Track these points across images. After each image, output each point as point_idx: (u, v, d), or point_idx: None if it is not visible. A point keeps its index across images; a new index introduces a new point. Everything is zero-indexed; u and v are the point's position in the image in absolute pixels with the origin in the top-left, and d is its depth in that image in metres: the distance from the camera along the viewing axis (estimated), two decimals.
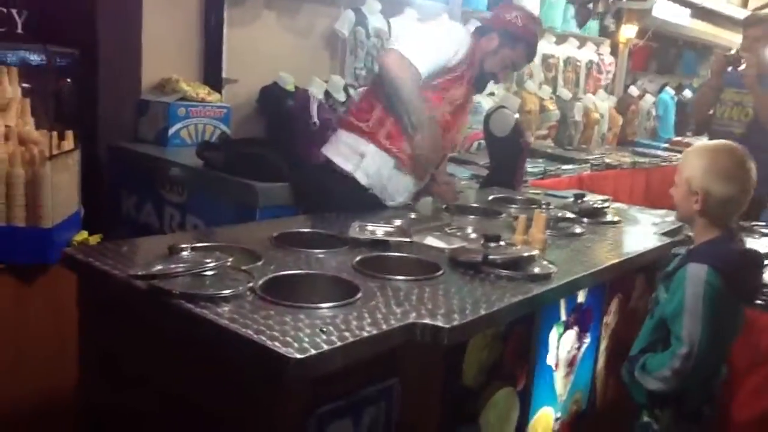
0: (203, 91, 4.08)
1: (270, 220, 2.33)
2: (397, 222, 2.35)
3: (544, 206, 2.53)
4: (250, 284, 1.61)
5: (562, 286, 1.88)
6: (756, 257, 2.04)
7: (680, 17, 7.64)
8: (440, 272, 1.86)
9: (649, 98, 7.74)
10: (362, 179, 2.61)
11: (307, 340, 1.35)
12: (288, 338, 1.35)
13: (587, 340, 2.21)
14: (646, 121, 7.76)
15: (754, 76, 3.71)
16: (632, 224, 2.72)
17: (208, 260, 1.62)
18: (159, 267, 1.61)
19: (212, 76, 4.28)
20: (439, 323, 1.52)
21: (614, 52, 7.50)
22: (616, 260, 2.16)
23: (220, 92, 4.20)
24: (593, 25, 6.96)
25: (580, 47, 6.93)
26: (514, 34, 2.71)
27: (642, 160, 6.09)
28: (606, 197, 2.96)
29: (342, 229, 2.20)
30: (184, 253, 1.63)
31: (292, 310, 1.51)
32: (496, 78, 2.82)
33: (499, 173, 3.76)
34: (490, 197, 2.99)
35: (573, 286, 1.95)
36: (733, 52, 4.10)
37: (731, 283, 1.92)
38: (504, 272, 1.88)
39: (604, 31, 7.23)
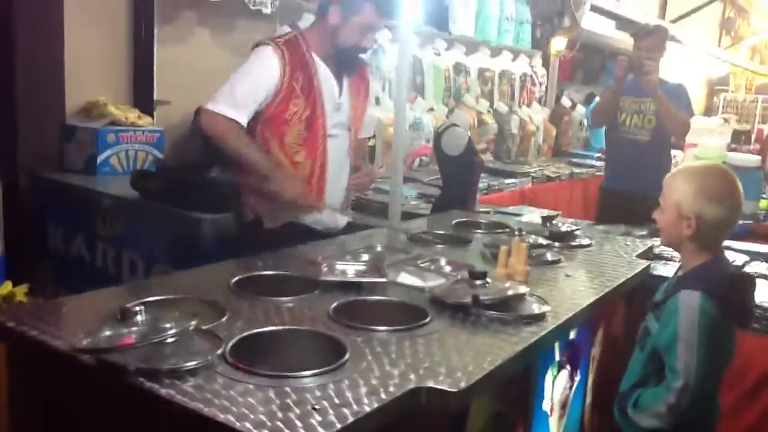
0: (133, 115, 3.80)
1: (224, 262, 2.09)
2: (365, 257, 2.15)
3: (516, 232, 2.38)
4: (219, 351, 1.38)
5: (559, 326, 1.72)
6: (748, 279, 1.98)
7: (605, 28, 7.77)
8: (428, 318, 1.67)
9: (580, 108, 7.84)
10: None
11: (300, 424, 1.14)
12: (279, 424, 1.13)
13: (578, 378, 2.07)
14: (579, 132, 7.85)
15: (657, 82, 3.74)
16: (604, 246, 2.61)
17: (167, 325, 1.38)
18: (108, 333, 1.36)
19: (143, 98, 4.00)
20: (445, 387, 1.33)
21: (545, 63, 7.57)
22: (605, 290, 2.03)
23: (151, 115, 3.92)
24: (525, 37, 6.99)
25: (513, 60, 6.95)
26: None
27: (579, 170, 6.14)
28: (575, 221, 2.85)
29: (304, 269, 1.99)
30: (138, 317, 1.38)
31: (273, 381, 1.29)
32: (361, 48, 2.59)
33: (451, 193, 3.62)
34: (453, 222, 2.83)
35: (570, 325, 1.81)
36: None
37: (726, 308, 1.84)
38: (495, 314, 1.71)
39: (536, 44, 7.27)
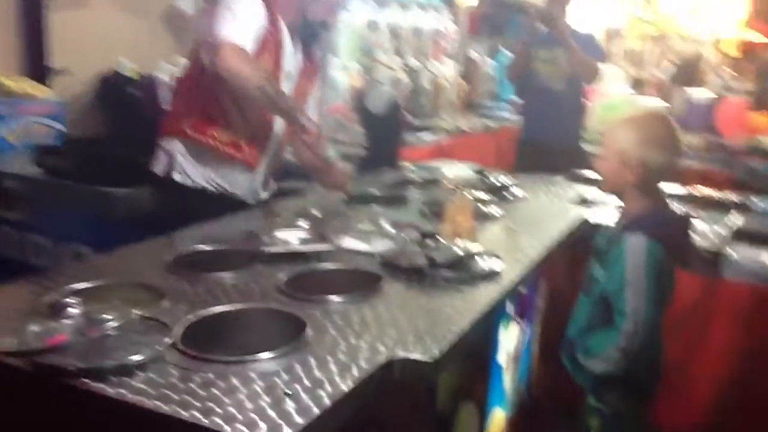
0: (28, 86, 3.47)
1: (153, 239, 1.92)
2: (304, 223, 2.04)
3: (455, 188, 2.32)
4: (168, 339, 1.25)
5: (516, 282, 1.69)
6: (688, 221, 2.00)
7: None
8: (384, 284, 1.59)
9: (488, 61, 7.87)
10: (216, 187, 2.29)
11: (274, 413, 1.04)
12: (252, 415, 1.03)
13: (527, 330, 2.05)
14: (488, 84, 7.90)
15: (567, 30, 3.78)
16: (540, 197, 2.60)
17: (105, 316, 1.23)
18: (37, 331, 1.21)
19: (34, 67, 3.65)
20: (420, 356, 1.25)
21: (455, 18, 7.53)
22: (552, 242, 2.01)
23: (47, 85, 3.60)
24: None
25: (423, 15, 6.87)
26: None
27: (491, 123, 6.21)
28: (504, 172, 2.82)
29: (242, 241, 1.87)
30: (70, 309, 1.23)
31: (234, 367, 1.18)
32: (325, 25, 2.52)
33: (377, 151, 3.54)
34: (388, 181, 2.75)
35: (524, 280, 1.77)
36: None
37: (669, 249, 1.85)
38: (451, 274, 1.65)
39: None
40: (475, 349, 1.60)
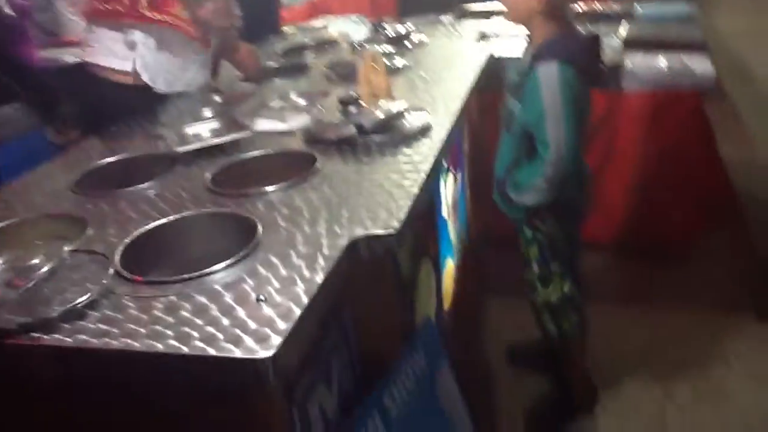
0: None
1: (48, 163, 1.72)
2: (207, 112, 1.88)
3: (358, 46, 2.19)
4: (110, 270, 1.13)
5: (449, 133, 1.64)
6: (596, 41, 1.98)
7: None
8: (318, 162, 1.50)
9: None
10: (144, 75, 2.00)
11: (255, 325, 0.97)
12: (233, 330, 0.96)
13: (459, 177, 2.05)
14: None
15: None
16: (440, 40, 2.51)
17: (33, 261, 1.10)
18: None
19: None
20: (381, 231, 1.20)
21: None
22: (469, 83, 1.95)
23: None
24: None
25: None
26: None
27: None
28: (409, 25, 2.67)
29: (146, 145, 1.71)
30: None
31: (194, 284, 1.09)
32: None
33: (255, 20, 3.28)
34: (278, 50, 2.57)
35: (455, 129, 1.72)
36: None
37: (582, 72, 1.85)
38: (383, 138, 1.58)
39: None
40: (423, 208, 1.57)
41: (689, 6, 3.27)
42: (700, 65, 2.49)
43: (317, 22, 3.54)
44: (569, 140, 1.79)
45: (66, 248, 1.16)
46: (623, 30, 2.82)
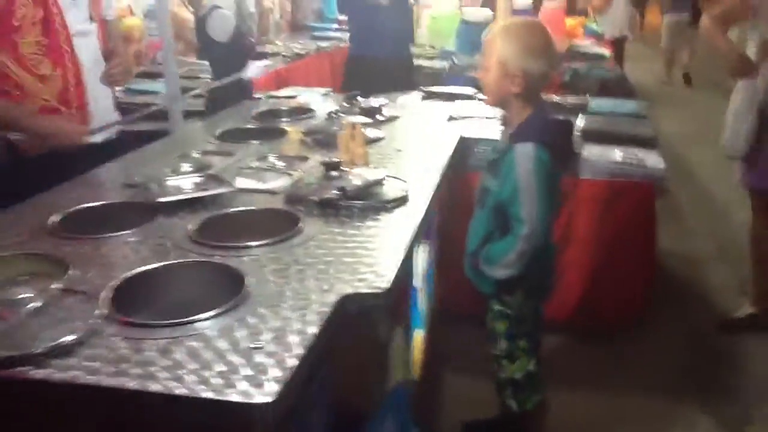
0: None
1: (22, 203, 1.70)
2: (188, 166, 1.91)
3: (334, 115, 2.27)
4: (97, 310, 1.13)
5: (428, 204, 1.70)
6: (569, 125, 2.10)
7: None
8: (301, 222, 1.54)
9: None
10: None
11: (250, 372, 0.98)
12: (228, 375, 0.97)
13: (430, 248, 2.10)
14: (312, 3, 7.72)
15: None
16: (414, 116, 2.62)
17: (23, 295, 1.08)
18: None
19: None
20: (372, 289, 1.24)
21: None
22: (445, 159, 2.05)
23: None
24: None
25: None
26: None
27: (323, 44, 6.07)
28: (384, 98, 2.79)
29: (128, 193, 1.72)
30: None
31: (185, 329, 1.09)
32: None
33: (226, 83, 3.36)
34: (253, 112, 2.63)
35: (432, 202, 1.79)
36: None
37: (555, 154, 1.95)
38: (363, 203, 1.64)
39: None
40: (401, 274, 1.62)
41: (638, 105, 3.52)
42: (651, 159, 2.66)
43: (286, 91, 3.64)
44: (542, 216, 1.87)
45: (53, 285, 1.15)
46: (580, 121, 3.00)
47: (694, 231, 4.13)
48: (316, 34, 6.51)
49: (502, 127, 2.05)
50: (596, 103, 3.42)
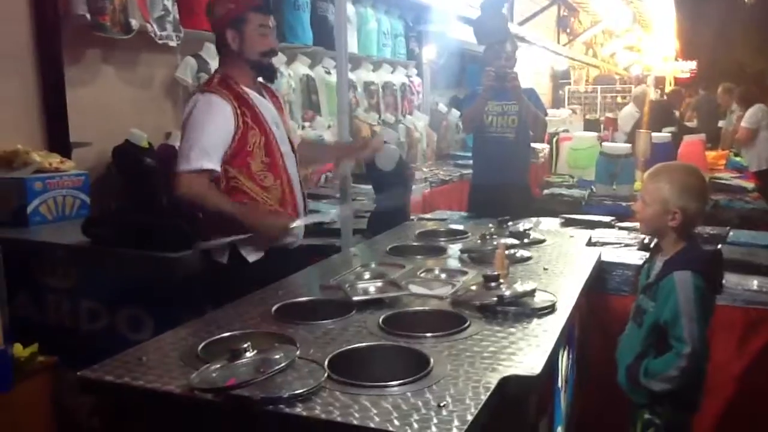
0: (55, 160, 3.69)
1: (249, 295, 2.18)
2: (368, 274, 2.34)
3: (488, 237, 2.66)
4: (323, 374, 1.52)
5: (571, 312, 2.01)
6: (720, 255, 2.35)
7: (466, 35, 8.24)
8: (468, 321, 1.90)
9: (454, 112, 8.32)
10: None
11: (436, 420, 1.33)
12: (423, 421, 1.31)
13: (572, 355, 2.37)
14: (455, 134, 8.33)
15: (519, 86, 4.17)
16: (556, 239, 2.95)
17: (276, 357, 1.50)
18: (218, 373, 1.47)
19: (59, 142, 3.88)
20: (525, 372, 1.56)
21: (419, 72, 7.99)
22: (585, 277, 2.35)
23: (69, 158, 3.82)
24: (401, 50, 7.39)
25: (393, 72, 7.29)
26: (229, 11, 2.64)
27: (465, 171, 6.54)
28: (530, 223, 3.16)
29: (328, 292, 2.16)
30: (248, 354, 1.50)
31: (387, 390, 1.46)
32: (268, 51, 2.71)
33: (387, 206, 3.85)
34: (417, 232, 3.08)
35: (574, 311, 2.10)
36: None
37: (709, 282, 2.19)
38: (517, 309, 1.97)
39: (410, 54, 7.67)
40: (546, 371, 1.92)
41: None
42: None
43: (435, 214, 4.10)
44: (702, 337, 2.10)
45: (297, 352, 1.57)
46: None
47: None
48: (458, 162, 7.02)
49: (656, 255, 2.31)
50: (736, 234, 3.57)
